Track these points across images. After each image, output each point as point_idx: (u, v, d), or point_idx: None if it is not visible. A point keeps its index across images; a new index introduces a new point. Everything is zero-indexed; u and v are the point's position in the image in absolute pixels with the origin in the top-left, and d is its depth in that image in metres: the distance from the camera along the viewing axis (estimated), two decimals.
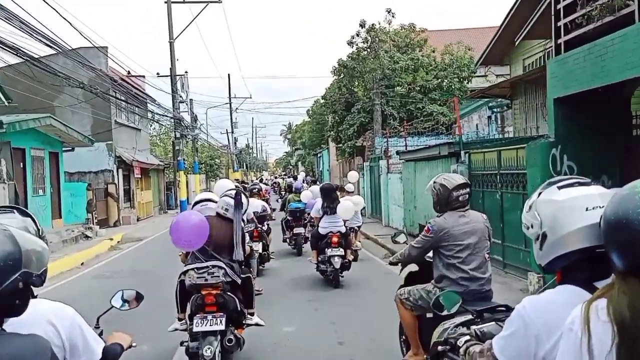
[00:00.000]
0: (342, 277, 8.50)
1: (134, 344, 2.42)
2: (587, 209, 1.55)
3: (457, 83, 22.84)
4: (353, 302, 7.53)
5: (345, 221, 8.82)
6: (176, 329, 5.00)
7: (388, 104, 22.48)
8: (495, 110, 21.28)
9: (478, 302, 3.56)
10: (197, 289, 4.63)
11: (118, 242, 17.08)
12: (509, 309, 2.95)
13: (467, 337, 2.26)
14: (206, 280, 4.61)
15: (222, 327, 4.45)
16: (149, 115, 26.02)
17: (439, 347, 3.26)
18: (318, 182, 23.83)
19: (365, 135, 22.56)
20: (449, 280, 3.78)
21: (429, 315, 3.79)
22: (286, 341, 5.96)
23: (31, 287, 1.59)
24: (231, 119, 56.78)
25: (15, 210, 2.00)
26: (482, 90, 14.46)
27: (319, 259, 8.60)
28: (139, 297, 2.75)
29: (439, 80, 23.25)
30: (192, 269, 4.76)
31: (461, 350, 2.16)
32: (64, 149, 16.33)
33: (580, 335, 1.33)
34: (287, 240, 12.26)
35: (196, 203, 5.82)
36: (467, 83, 23.68)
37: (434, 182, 3.98)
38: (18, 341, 1.48)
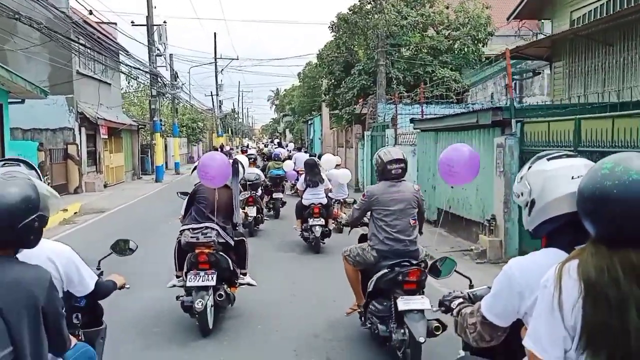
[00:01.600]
0: (324, 243, 9.25)
1: (127, 286, 3.01)
2: (572, 177, 1.71)
3: (471, 45, 20.16)
4: (328, 264, 7.90)
5: (328, 193, 9.67)
6: (174, 285, 5.29)
7: (393, 65, 19.77)
8: (516, 77, 18.76)
9: (401, 259, 4.27)
10: (192, 248, 4.97)
11: (75, 213, 14.42)
12: (415, 264, 4.23)
13: (460, 300, 2.33)
14: (198, 239, 4.99)
15: (213, 283, 4.81)
16: (122, 68, 22.97)
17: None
18: (304, 150, 21.36)
19: (366, 101, 19.91)
20: (377, 239, 4.48)
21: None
22: (268, 295, 6.24)
23: (42, 226, 2.03)
24: (216, 80, 53.56)
25: (21, 163, 2.39)
26: (517, 49, 11.91)
27: (302, 227, 9.27)
28: (133, 247, 3.43)
29: (451, 41, 20.56)
30: (188, 229, 5.14)
31: (454, 312, 2.22)
32: (9, 100, 13.45)
33: (552, 291, 1.52)
34: (266, 204, 12.65)
35: (195, 168, 5.80)
36: (483, 47, 21.04)
37: (377, 154, 4.68)
38: (25, 268, 1.98)
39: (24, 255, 2.05)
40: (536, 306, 1.60)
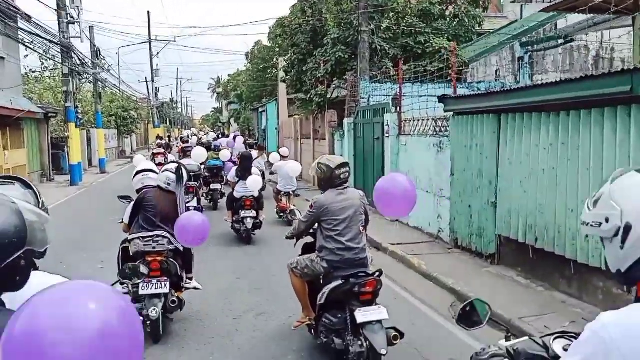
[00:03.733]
0: (254, 234, 9.32)
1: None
2: None
3: (470, 6, 16.23)
4: (255, 255, 8.39)
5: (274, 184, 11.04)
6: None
7: (375, 34, 15.54)
8: (530, 49, 14.97)
9: (353, 269, 4.15)
10: (142, 256, 4.96)
11: None
12: (371, 275, 4.12)
13: (502, 358, 1.86)
14: (154, 247, 5.05)
15: (167, 290, 4.89)
16: (22, 37, 17.43)
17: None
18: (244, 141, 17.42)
19: (343, 78, 15.57)
20: (327, 250, 4.28)
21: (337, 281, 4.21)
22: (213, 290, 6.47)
23: (33, 263, 1.53)
24: (151, 64, 47.69)
25: (16, 182, 1.85)
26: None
27: (234, 219, 9.30)
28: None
29: (443, 6, 16.55)
30: (138, 238, 5.12)
31: None
32: None
33: None
34: (204, 195, 12.69)
35: (137, 173, 6.01)
36: (483, 12, 17.21)
37: (318, 163, 4.46)
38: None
39: (9, 297, 1.45)
40: None
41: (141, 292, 4.78)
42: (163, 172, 5.57)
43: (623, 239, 1.31)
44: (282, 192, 11.09)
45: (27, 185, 1.88)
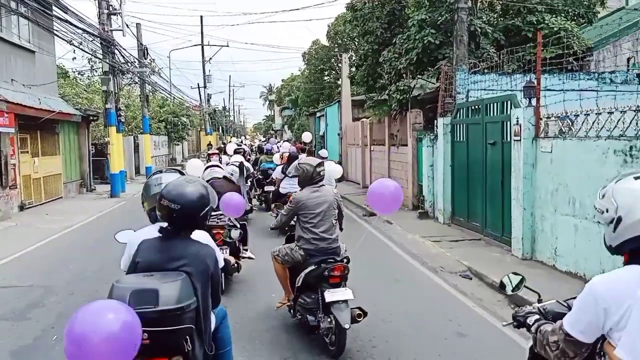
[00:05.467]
0: None
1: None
2: None
3: None
4: None
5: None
6: None
7: (474, 13, 12.40)
8: None
9: (326, 256, 4.75)
10: (210, 229, 5.59)
11: None
12: (339, 261, 4.73)
13: (537, 317, 2.29)
14: (217, 223, 6.28)
15: (226, 256, 6.02)
16: (58, 31, 15.29)
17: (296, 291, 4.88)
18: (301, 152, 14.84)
19: (433, 69, 12.47)
20: (304, 239, 4.83)
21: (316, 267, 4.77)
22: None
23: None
24: (204, 69, 45.77)
25: (176, 171, 3.37)
26: None
27: (277, 212, 9.21)
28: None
29: None
30: None
31: (532, 329, 2.21)
32: None
33: None
34: (256, 196, 13.44)
35: (207, 168, 7.40)
36: None
37: (299, 164, 5.15)
38: (200, 245, 2.80)
39: (196, 236, 2.87)
40: (632, 318, 1.67)
41: None
42: (229, 165, 7.04)
43: (615, 227, 1.86)
44: None
45: (180, 173, 3.33)
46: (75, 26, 14.88)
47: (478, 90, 11.11)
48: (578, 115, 7.18)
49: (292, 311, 5.06)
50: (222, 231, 6.14)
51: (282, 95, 48.74)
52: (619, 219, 1.84)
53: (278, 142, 22.56)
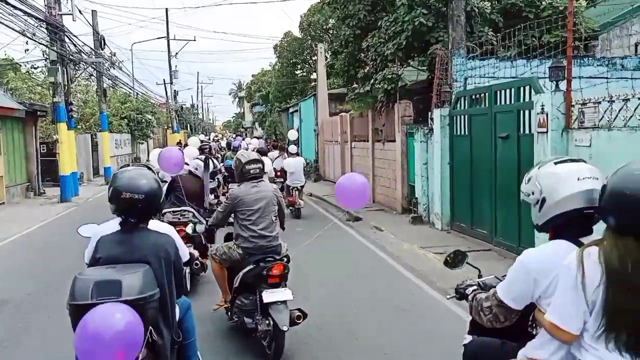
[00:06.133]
0: None
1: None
2: (578, 179, 2.01)
3: None
4: None
5: (278, 181, 11.16)
6: None
7: None
8: None
9: (265, 255, 4.47)
10: (173, 226, 4.69)
11: None
12: (278, 259, 4.46)
13: (474, 287, 2.52)
14: (179, 219, 6.03)
15: (191, 250, 5.26)
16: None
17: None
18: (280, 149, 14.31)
19: (427, 55, 11.04)
20: (242, 237, 4.55)
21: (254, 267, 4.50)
22: None
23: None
24: (170, 64, 43.67)
25: (144, 167, 3.19)
26: None
27: None
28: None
29: None
30: (169, 211, 6.14)
31: (469, 297, 2.42)
32: None
33: (575, 272, 1.83)
34: (223, 193, 12.36)
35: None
36: None
37: (235, 157, 4.89)
38: (158, 234, 2.88)
39: (153, 226, 2.95)
40: (559, 285, 1.91)
41: None
42: (194, 159, 6.93)
43: (540, 207, 2.10)
44: (292, 187, 11.48)
45: (149, 168, 3.18)
46: (14, 7, 12.95)
47: (477, 78, 9.79)
48: (613, 102, 5.85)
49: (229, 313, 4.79)
50: (184, 228, 5.79)
51: (253, 91, 46.88)
52: (543, 200, 2.09)
53: (244, 139, 21.92)
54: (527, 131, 7.13)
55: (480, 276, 2.72)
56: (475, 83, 9.86)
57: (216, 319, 5.10)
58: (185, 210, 6.16)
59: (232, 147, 14.77)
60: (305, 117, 23.26)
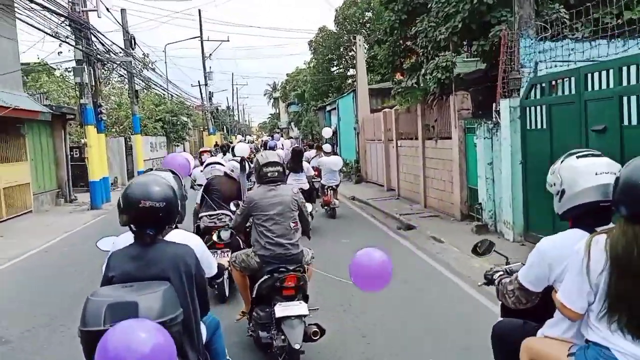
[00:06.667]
0: None
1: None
2: (596, 174, 2.18)
3: None
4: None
5: (315, 180, 10.82)
6: None
7: None
8: None
9: (284, 264, 4.11)
10: (210, 231, 5.55)
11: None
12: (295, 270, 4.06)
13: (500, 273, 2.75)
14: (215, 224, 5.91)
15: (221, 259, 4.88)
16: (19, 14, 12.56)
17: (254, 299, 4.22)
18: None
19: (499, 32, 9.61)
20: (259, 244, 4.23)
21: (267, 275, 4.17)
22: None
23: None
24: (204, 65, 43.27)
25: (169, 172, 3.01)
26: None
27: None
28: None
29: None
30: (206, 215, 6.11)
31: (496, 282, 2.64)
32: None
33: (582, 256, 2.02)
34: None
35: (207, 165, 7.22)
36: None
37: (255, 158, 4.74)
38: (177, 246, 2.55)
39: (171, 238, 2.63)
40: (568, 268, 2.11)
41: None
42: (230, 161, 6.95)
43: (560, 197, 2.29)
44: (326, 186, 11.19)
45: (174, 174, 3.00)
46: (37, 3, 12.17)
47: (550, 62, 8.34)
48: None
49: (250, 324, 4.52)
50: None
51: (288, 91, 45.90)
52: (563, 192, 2.28)
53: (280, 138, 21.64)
54: (634, 122, 5.68)
55: (507, 263, 2.90)
56: (546, 68, 8.44)
57: (241, 331, 4.72)
58: (222, 214, 6.01)
59: (268, 147, 14.37)
60: (344, 115, 21.98)
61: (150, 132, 29.80)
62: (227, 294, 5.78)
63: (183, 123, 35.89)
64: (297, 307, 3.89)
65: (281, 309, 3.86)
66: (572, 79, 6.91)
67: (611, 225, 2.10)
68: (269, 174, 4.31)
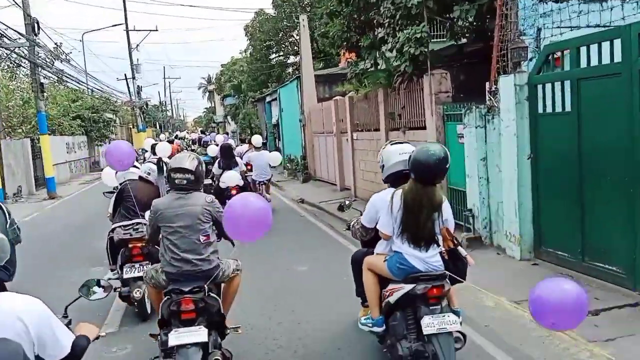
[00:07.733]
0: None
1: (102, 334, 2.49)
2: (400, 153, 3.70)
3: None
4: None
5: (247, 175, 10.66)
6: (110, 278, 5.27)
7: None
8: None
9: (193, 282, 3.67)
10: (125, 243, 5.28)
11: None
12: (192, 292, 3.60)
13: (355, 221, 4.10)
14: (131, 235, 5.36)
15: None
16: None
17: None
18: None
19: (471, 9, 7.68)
20: (165, 260, 3.80)
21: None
22: None
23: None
24: (130, 58, 39.41)
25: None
26: None
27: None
28: (107, 287, 2.75)
29: None
30: (119, 226, 5.49)
31: (351, 225, 4.17)
32: None
33: (389, 202, 3.52)
34: None
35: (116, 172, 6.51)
36: None
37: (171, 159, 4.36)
38: None
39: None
40: (384, 210, 3.57)
41: (125, 276, 5.12)
42: (146, 163, 6.20)
43: (382, 170, 3.84)
44: (257, 182, 10.89)
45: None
46: None
47: (556, 28, 6.54)
48: None
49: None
50: (139, 244, 5.17)
51: (223, 82, 43.02)
52: (383, 166, 3.81)
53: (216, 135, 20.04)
54: None
55: (362, 214, 3.98)
56: (551, 36, 6.62)
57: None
58: (138, 224, 5.45)
59: (202, 143, 13.86)
60: (287, 105, 19.70)
61: (67, 131, 26.39)
62: (148, 310, 5.31)
63: (107, 120, 32.45)
64: (195, 334, 3.47)
65: (175, 337, 3.46)
66: (613, 42, 5.01)
67: (407, 184, 3.50)
68: (176, 181, 3.85)
